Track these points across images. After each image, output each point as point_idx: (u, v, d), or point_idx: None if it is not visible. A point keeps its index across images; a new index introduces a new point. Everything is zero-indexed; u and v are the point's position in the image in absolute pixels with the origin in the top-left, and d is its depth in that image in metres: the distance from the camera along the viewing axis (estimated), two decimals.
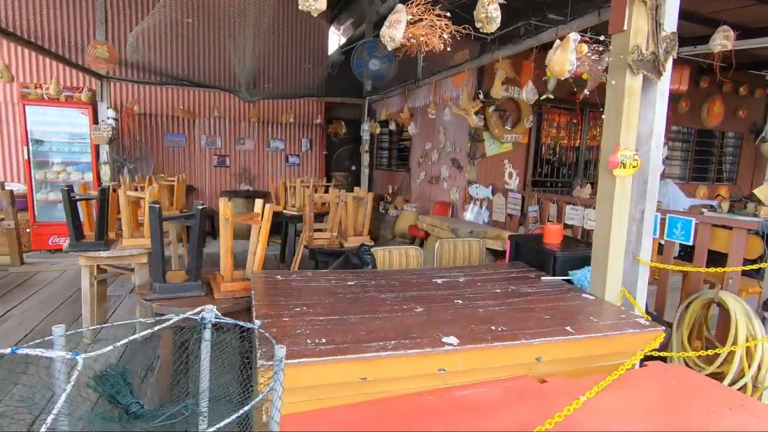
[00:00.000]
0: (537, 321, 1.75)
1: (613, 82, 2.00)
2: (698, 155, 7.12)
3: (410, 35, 1.57)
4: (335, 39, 9.70)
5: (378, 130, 6.35)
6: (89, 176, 5.68)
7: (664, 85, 2.11)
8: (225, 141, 7.16)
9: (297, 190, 5.27)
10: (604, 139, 2.08)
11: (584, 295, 2.12)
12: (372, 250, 2.81)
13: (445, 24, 1.59)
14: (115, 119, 5.49)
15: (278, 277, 2.11)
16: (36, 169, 5.57)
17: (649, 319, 1.93)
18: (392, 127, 5.94)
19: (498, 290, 2.14)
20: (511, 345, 1.54)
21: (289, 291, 1.91)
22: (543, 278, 2.36)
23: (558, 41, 1.95)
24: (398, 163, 7.57)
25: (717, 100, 6.71)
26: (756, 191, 2.54)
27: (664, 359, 2.89)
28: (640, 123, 2.19)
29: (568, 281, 2.36)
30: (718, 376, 2.54)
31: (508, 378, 1.62)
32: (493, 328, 1.64)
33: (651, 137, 2.13)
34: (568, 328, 1.68)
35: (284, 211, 5.42)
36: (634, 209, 2.24)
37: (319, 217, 4.79)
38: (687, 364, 2.75)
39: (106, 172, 5.44)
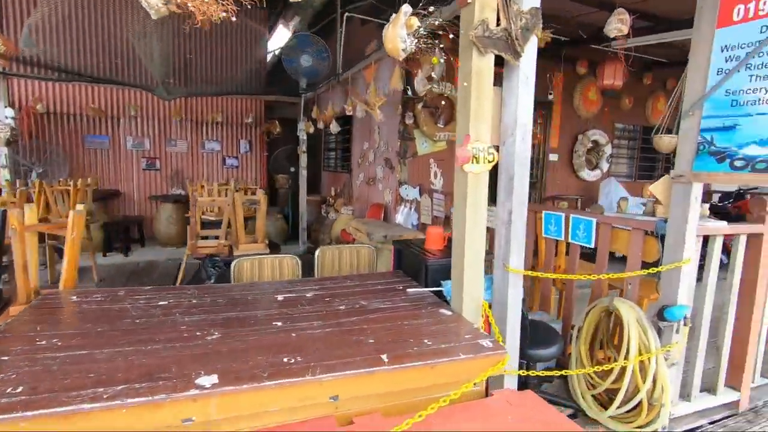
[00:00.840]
0: (354, 348, 1.45)
1: (461, 65, 1.73)
2: (644, 153, 7.01)
3: (177, 1, 1.26)
4: (284, 36, 9.35)
5: (312, 130, 6.03)
6: None
7: (528, 69, 1.85)
8: (154, 142, 6.72)
9: (216, 194, 4.90)
10: (458, 131, 1.81)
11: (442, 311, 1.84)
12: (238, 260, 2.48)
13: None
14: (15, 119, 5.02)
15: (73, 297, 1.76)
16: None
17: (500, 339, 1.66)
18: (320, 125, 5.63)
19: (343, 307, 1.84)
20: (292, 383, 1.23)
21: (63, 317, 1.57)
22: (409, 290, 2.08)
23: (393, 15, 1.68)
24: (342, 164, 7.26)
25: (661, 97, 6.60)
26: (651, 188, 2.31)
27: (565, 376, 2.65)
28: (504, 112, 1.93)
29: (439, 293, 2.08)
30: (616, 393, 2.30)
31: (304, 421, 1.32)
32: (285, 359, 1.34)
33: (516, 128, 1.86)
34: (383, 356, 1.39)
35: (203, 216, 5.04)
36: (501, 210, 1.97)
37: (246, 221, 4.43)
38: (588, 380, 2.50)
39: (5, 176, 4.96)
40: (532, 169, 6.21)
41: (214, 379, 1.19)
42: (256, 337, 1.50)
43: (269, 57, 7.92)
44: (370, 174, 5.98)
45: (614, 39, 2.57)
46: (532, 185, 6.03)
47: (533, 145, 5.97)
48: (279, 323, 1.63)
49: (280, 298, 1.91)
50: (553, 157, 6.09)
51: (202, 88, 6.10)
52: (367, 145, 6.00)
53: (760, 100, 1.83)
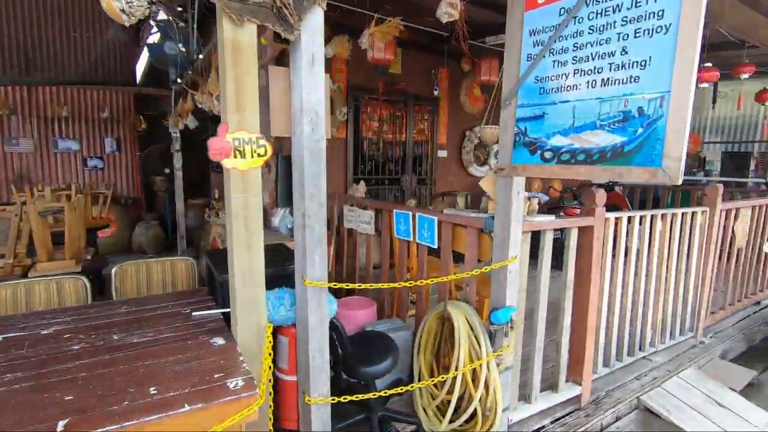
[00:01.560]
0: (30, 411, 1.05)
1: (218, 36, 1.41)
2: None
3: None
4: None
5: (181, 126, 5.40)
6: None
7: (313, 47, 1.56)
8: None
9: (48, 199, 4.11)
10: (222, 119, 1.48)
11: (214, 340, 1.50)
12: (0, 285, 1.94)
13: None
14: None
15: None
16: None
17: (264, 374, 1.37)
18: (187, 121, 5.04)
19: (77, 347, 1.42)
20: None
21: None
22: (195, 314, 1.71)
23: None
24: None
25: None
26: (481, 182, 2.18)
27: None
28: (292, 98, 1.64)
29: None
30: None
31: None
32: None
33: (303, 115, 1.58)
34: (61, 423, 1.01)
35: None
36: (296, 213, 1.68)
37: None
38: (429, 392, 2.33)
39: None
40: (421, 165, 6.08)
41: None
42: None
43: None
44: None
45: (449, 22, 2.41)
46: (421, 182, 5.96)
47: (422, 142, 5.91)
48: None
49: None
50: (442, 153, 6.06)
51: (39, 76, 5.16)
52: None
53: (562, 87, 1.73)
